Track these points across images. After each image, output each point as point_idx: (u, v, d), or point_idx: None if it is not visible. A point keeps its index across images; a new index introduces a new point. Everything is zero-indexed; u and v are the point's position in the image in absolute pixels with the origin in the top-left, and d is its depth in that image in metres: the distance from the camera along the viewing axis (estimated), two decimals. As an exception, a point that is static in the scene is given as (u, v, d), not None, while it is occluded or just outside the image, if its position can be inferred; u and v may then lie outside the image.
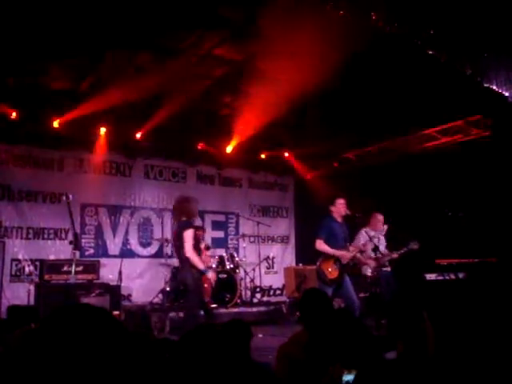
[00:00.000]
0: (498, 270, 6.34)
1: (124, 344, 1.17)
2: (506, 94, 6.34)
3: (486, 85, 6.05)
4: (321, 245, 6.17)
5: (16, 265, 8.26)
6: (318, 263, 6.22)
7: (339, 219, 6.30)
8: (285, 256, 11.41)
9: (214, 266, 8.93)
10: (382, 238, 7.52)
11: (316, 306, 3.44)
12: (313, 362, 2.08)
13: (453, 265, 7.23)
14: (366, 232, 7.07)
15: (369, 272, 7.29)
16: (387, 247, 7.55)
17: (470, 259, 7.06)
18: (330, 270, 6.08)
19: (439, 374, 2.05)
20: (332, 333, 2.15)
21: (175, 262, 9.21)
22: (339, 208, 6.26)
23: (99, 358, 1.11)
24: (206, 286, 6.21)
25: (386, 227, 7.39)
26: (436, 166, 8.29)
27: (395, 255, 7.17)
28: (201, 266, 5.66)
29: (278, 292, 10.83)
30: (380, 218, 7.62)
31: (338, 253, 6.12)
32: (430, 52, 5.38)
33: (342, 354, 2.01)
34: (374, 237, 6.84)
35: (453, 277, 7.08)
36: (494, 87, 6.10)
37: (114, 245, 9.29)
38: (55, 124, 8.16)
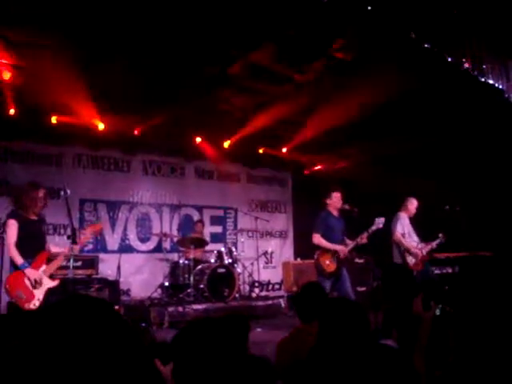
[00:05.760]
0: (493, 264, 6.38)
1: (125, 334, 1.19)
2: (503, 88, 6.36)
3: (482, 79, 6.06)
4: (318, 239, 6.20)
5: (15, 260, 8.26)
6: (315, 256, 6.24)
7: (335, 213, 6.31)
8: (283, 251, 11.45)
9: (213, 260, 8.97)
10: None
11: (313, 300, 3.46)
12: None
13: (450, 259, 7.28)
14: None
15: (412, 262, 6.90)
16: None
17: (467, 253, 7.11)
18: (327, 263, 6.10)
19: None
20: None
21: (174, 256, 9.26)
22: (335, 201, 6.28)
23: (100, 348, 1.13)
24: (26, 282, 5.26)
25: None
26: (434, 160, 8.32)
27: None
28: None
29: (276, 287, 10.85)
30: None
31: (336, 247, 6.14)
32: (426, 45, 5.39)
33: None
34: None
35: (450, 270, 7.13)
36: (491, 81, 6.12)
37: (112, 240, 9.32)
38: (53, 120, 8.15)
